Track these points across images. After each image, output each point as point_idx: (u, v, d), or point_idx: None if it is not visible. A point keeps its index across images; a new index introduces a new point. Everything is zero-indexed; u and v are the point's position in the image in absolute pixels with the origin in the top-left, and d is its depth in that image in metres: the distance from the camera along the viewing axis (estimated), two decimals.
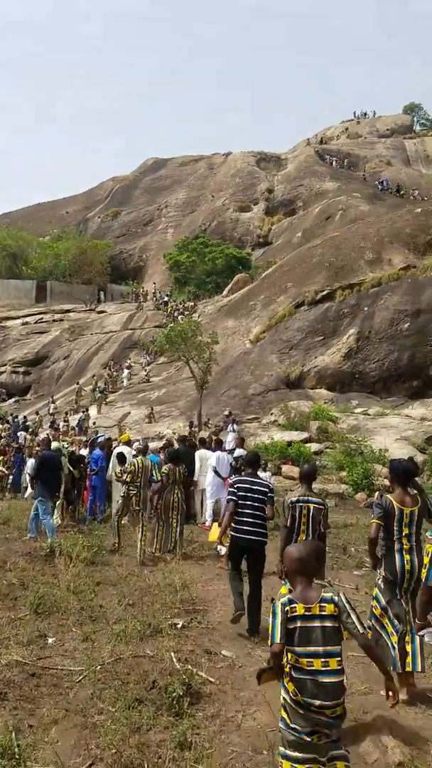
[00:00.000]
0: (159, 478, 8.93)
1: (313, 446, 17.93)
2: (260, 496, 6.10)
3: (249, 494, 6.08)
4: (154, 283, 41.45)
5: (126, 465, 9.47)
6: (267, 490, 6.20)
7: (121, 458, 10.43)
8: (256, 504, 6.07)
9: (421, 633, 3.27)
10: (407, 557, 4.61)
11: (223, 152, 58.25)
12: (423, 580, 3.16)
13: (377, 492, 5.32)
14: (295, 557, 3.23)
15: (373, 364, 22.84)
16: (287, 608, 3.08)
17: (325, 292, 25.30)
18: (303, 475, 6.13)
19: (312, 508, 5.75)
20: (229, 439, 17.39)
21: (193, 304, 35.05)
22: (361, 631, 3.09)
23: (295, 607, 3.08)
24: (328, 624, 3.05)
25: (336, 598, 3.12)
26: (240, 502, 6.08)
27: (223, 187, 50.79)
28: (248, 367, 24.42)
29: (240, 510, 6.08)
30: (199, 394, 21.10)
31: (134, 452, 10.41)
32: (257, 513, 6.07)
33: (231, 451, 14.59)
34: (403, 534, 4.65)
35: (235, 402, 22.36)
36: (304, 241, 35.15)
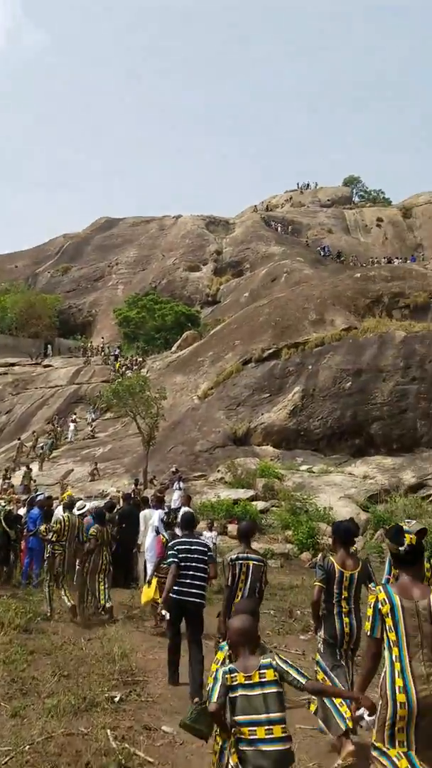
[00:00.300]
0: (85, 538, 8.70)
1: (259, 504, 17.88)
2: (200, 556, 6.08)
3: (189, 555, 6.05)
4: (103, 338, 41.42)
5: (51, 522, 9.13)
6: (206, 549, 6.20)
7: (48, 515, 9.97)
8: (196, 564, 6.04)
9: (359, 713, 3.20)
10: (346, 620, 4.61)
11: (173, 215, 60.07)
12: (368, 632, 3.21)
13: (320, 553, 5.35)
14: (239, 628, 3.26)
15: (318, 421, 23.28)
16: (227, 676, 3.11)
17: (271, 350, 25.90)
18: (241, 532, 6.19)
19: (251, 565, 5.78)
20: (175, 497, 17.09)
21: (141, 359, 35.11)
22: (303, 681, 3.11)
23: (236, 675, 3.10)
24: (269, 690, 3.06)
25: (273, 662, 3.15)
26: (181, 564, 6.02)
27: (174, 248, 52.10)
28: (196, 423, 24.41)
29: (180, 572, 6.01)
30: (146, 450, 20.83)
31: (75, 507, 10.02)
32: (197, 574, 6.04)
33: (176, 510, 14.34)
34: (343, 597, 4.65)
35: (182, 459, 22.18)
36: (251, 301, 36.18)
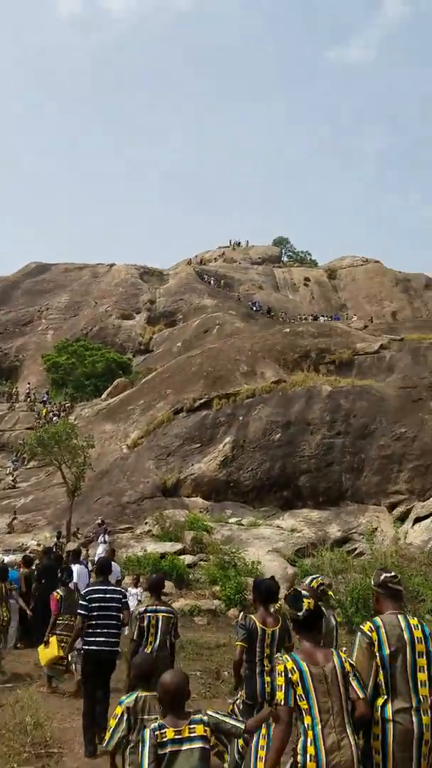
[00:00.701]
0: None
1: (187, 558, 17.47)
2: (115, 604, 6.00)
3: (102, 603, 5.94)
4: (29, 384, 40.17)
5: None
6: (121, 596, 6.15)
7: None
8: (110, 613, 5.94)
9: None
10: (267, 679, 4.58)
11: (107, 263, 60.38)
12: (281, 701, 3.17)
13: (241, 612, 5.32)
14: (170, 686, 3.22)
15: (248, 473, 23.33)
16: (157, 733, 3.09)
17: (203, 400, 25.98)
18: (151, 585, 6.23)
19: (161, 617, 5.74)
20: (100, 551, 16.46)
21: (70, 405, 34.25)
22: (242, 726, 3.19)
23: (165, 732, 3.09)
24: (197, 745, 3.08)
25: (205, 718, 3.18)
26: (93, 614, 5.88)
27: (107, 295, 52.10)
28: (124, 473, 23.84)
29: (93, 622, 5.86)
30: (70, 501, 20.03)
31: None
32: (111, 623, 5.94)
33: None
34: (265, 655, 4.64)
35: (109, 510, 21.48)
36: (183, 351, 36.44)
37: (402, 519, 20.67)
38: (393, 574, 3.65)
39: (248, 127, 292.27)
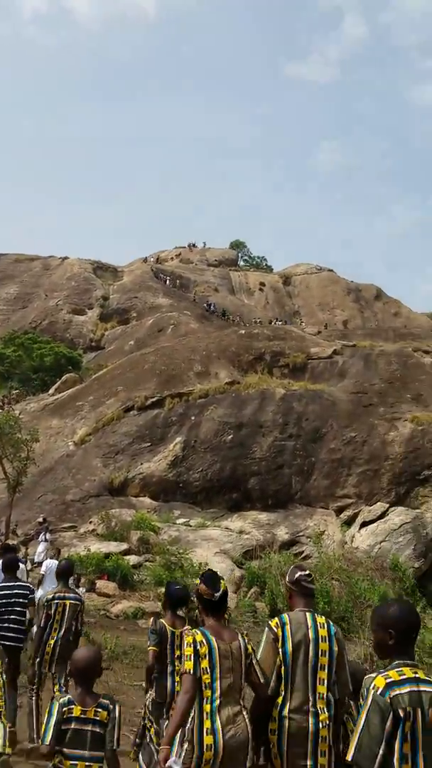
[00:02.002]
0: None
1: (133, 558, 16.97)
2: (22, 600, 6.09)
3: (10, 600, 6.01)
4: None
5: None
6: (28, 592, 6.23)
7: None
8: (18, 608, 6.04)
9: (169, 762, 3.15)
10: (177, 679, 4.61)
11: (59, 256, 58.85)
12: (189, 670, 3.24)
13: (152, 617, 5.24)
14: (80, 662, 3.30)
15: (197, 473, 22.97)
16: (64, 708, 3.14)
17: (155, 399, 25.46)
18: (59, 571, 6.43)
19: (68, 605, 5.97)
20: (40, 550, 15.75)
21: (15, 397, 32.98)
22: (110, 747, 3.17)
23: (73, 708, 3.14)
24: (97, 729, 3.14)
25: (112, 707, 3.22)
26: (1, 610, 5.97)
27: (58, 288, 50.69)
28: (70, 470, 23.04)
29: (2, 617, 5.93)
30: (11, 497, 19.13)
31: None
32: (20, 618, 6.05)
33: (40, 564, 13.06)
34: (175, 656, 4.73)
35: (51, 508, 20.68)
36: (136, 349, 35.76)
37: (349, 523, 20.78)
38: (307, 572, 3.69)
39: (205, 133, 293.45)
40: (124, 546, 17.62)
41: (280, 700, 3.34)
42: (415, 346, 28.21)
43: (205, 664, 3.20)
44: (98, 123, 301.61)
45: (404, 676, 2.51)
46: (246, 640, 3.39)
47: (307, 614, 3.49)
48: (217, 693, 3.19)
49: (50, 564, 10.18)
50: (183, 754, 3.33)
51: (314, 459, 22.36)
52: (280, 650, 3.37)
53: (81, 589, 11.25)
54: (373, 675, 2.57)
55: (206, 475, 22.97)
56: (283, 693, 3.34)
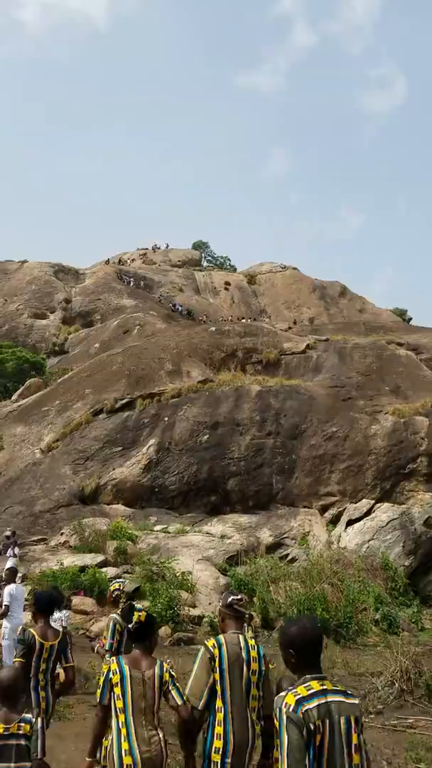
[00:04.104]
0: None
1: (110, 571, 15.76)
2: None
3: None
4: None
5: None
6: None
7: None
8: None
9: None
10: (42, 694, 4.55)
11: (18, 260, 56.86)
12: (98, 698, 3.63)
13: (21, 627, 4.71)
14: (3, 681, 3.48)
15: (173, 476, 21.89)
16: None
17: (125, 400, 24.26)
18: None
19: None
20: (9, 565, 14.39)
21: None
22: (35, 756, 3.45)
23: None
24: (22, 742, 3.37)
25: (33, 720, 3.50)
26: None
27: (18, 293, 48.83)
28: (37, 479, 21.64)
29: None
30: None
31: None
32: None
33: (6, 583, 11.81)
34: (41, 670, 4.58)
35: (19, 520, 19.28)
36: (101, 352, 34.40)
37: (334, 522, 20.02)
38: (239, 597, 3.91)
39: (162, 141, 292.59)
40: (100, 558, 16.40)
41: (220, 716, 3.54)
42: (389, 339, 27.80)
43: (117, 691, 3.51)
44: (52, 130, 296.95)
45: (312, 690, 2.62)
46: (164, 669, 3.67)
47: (240, 636, 3.73)
48: (130, 717, 3.48)
49: (14, 590, 8.84)
50: None
51: (295, 456, 21.55)
52: (217, 668, 3.57)
53: (64, 612, 10.06)
54: (283, 694, 2.66)
55: (183, 478, 21.90)
56: (222, 710, 3.55)
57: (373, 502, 19.73)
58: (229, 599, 3.86)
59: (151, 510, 21.27)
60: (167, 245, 69.67)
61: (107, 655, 5.02)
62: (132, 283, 52.96)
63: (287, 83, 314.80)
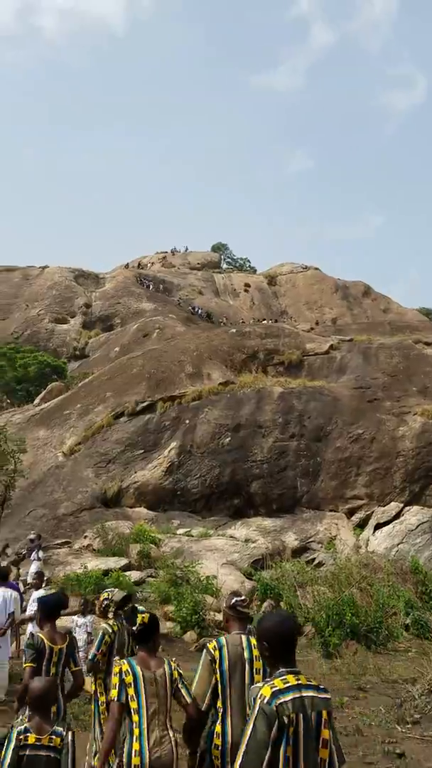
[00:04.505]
0: None
1: (134, 574, 15.57)
2: None
3: None
4: None
5: None
6: None
7: None
8: None
9: None
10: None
11: (39, 265, 57.31)
12: (114, 698, 3.60)
13: (30, 632, 4.77)
14: (36, 691, 3.52)
15: (195, 480, 21.65)
16: (21, 736, 3.41)
17: (146, 403, 24.11)
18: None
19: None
20: (33, 569, 14.27)
21: (1, 406, 31.39)
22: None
23: (28, 736, 3.41)
24: (52, 755, 3.42)
25: (64, 733, 3.47)
26: None
27: (39, 298, 49.20)
28: (60, 482, 21.57)
29: None
30: None
31: None
32: None
33: (31, 587, 11.69)
34: (51, 674, 4.57)
35: (43, 524, 19.21)
36: (121, 356, 34.39)
37: (362, 525, 19.58)
38: (243, 598, 3.96)
39: (178, 144, 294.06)
40: (124, 561, 16.21)
41: (221, 716, 3.59)
42: (415, 338, 27.25)
43: (131, 691, 3.54)
44: (71, 135, 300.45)
45: (288, 684, 2.64)
46: (172, 667, 3.74)
47: (242, 636, 3.77)
48: (144, 717, 3.52)
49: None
50: None
51: (320, 459, 21.15)
52: (217, 670, 3.61)
53: (88, 617, 9.86)
54: (260, 684, 2.71)
55: (205, 481, 21.66)
56: (222, 710, 3.60)
57: (401, 505, 19.25)
58: (233, 601, 3.93)
59: (174, 513, 21.05)
60: (186, 248, 69.73)
61: (84, 668, 5.02)
62: (151, 287, 53.05)
63: (305, 83, 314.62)
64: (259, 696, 2.61)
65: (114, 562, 16.09)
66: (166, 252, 68.43)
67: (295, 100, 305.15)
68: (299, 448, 21.71)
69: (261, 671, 3.68)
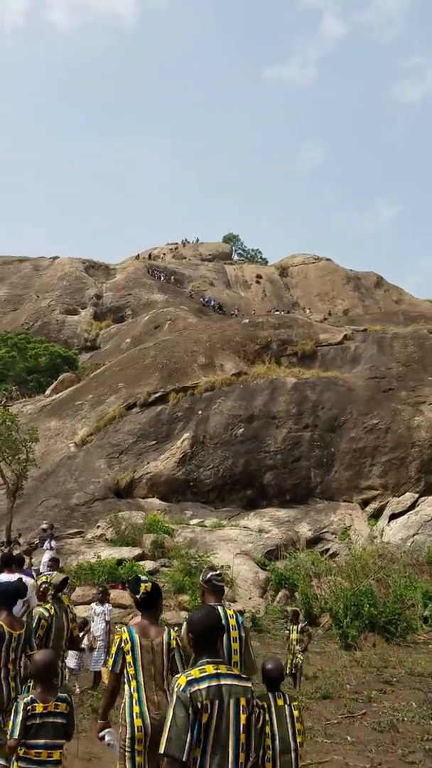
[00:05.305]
0: None
1: (148, 564, 15.47)
2: None
3: None
4: None
5: None
6: None
7: None
8: None
9: (101, 734, 3.83)
10: (12, 684, 4.53)
11: (49, 256, 57.22)
12: (110, 667, 3.94)
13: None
14: (39, 663, 3.73)
15: (208, 470, 21.52)
16: (29, 707, 3.60)
17: (158, 394, 23.97)
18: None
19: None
20: (45, 559, 14.20)
21: (12, 396, 31.37)
22: (72, 732, 3.77)
23: (36, 706, 3.61)
24: (58, 720, 3.64)
25: (69, 698, 3.76)
26: None
27: (50, 289, 49.11)
28: (72, 473, 21.52)
29: None
30: (11, 503, 17.62)
31: None
32: None
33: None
34: (10, 659, 4.58)
35: (55, 513, 19.16)
36: (132, 347, 34.26)
37: (376, 516, 19.36)
38: (218, 572, 4.23)
39: (190, 136, 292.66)
40: (137, 551, 16.14)
41: None
42: (430, 328, 26.85)
43: (129, 658, 3.76)
44: (83, 128, 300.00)
45: (205, 673, 2.80)
46: (170, 636, 3.90)
47: (219, 608, 3.99)
48: (142, 684, 3.74)
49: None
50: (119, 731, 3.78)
51: (334, 449, 20.93)
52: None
53: (107, 606, 9.77)
54: (178, 675, 2.90)
55: (218, 472, 21.52)
56: None
57: (417, 495, 19.00)
58: (209, 575, 4.20)
59: (187, 504, 20.95)
60: (197, 239, 69.31)
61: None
62: (162, 278, 52.80)
63: (318, 74, 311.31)
64: (176, 685, 2.79)
65: (127, 552, 16.02)
66: (177, 243, 68.10)
67: (307, 92, 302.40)
68: (313, 439, 21.50)
69: (238, 639, 4.00)
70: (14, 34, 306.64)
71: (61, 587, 5.70)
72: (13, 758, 3.60)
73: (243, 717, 2.78)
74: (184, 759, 2.65)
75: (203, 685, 2.75)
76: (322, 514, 19.64)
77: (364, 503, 19.84)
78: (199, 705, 2.71)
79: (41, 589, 5.73)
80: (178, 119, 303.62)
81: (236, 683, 2.83)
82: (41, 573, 13.30)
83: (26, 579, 8.57)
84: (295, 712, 4.08)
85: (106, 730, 3.85)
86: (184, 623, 3.49)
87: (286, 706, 4.09)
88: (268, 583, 15.74)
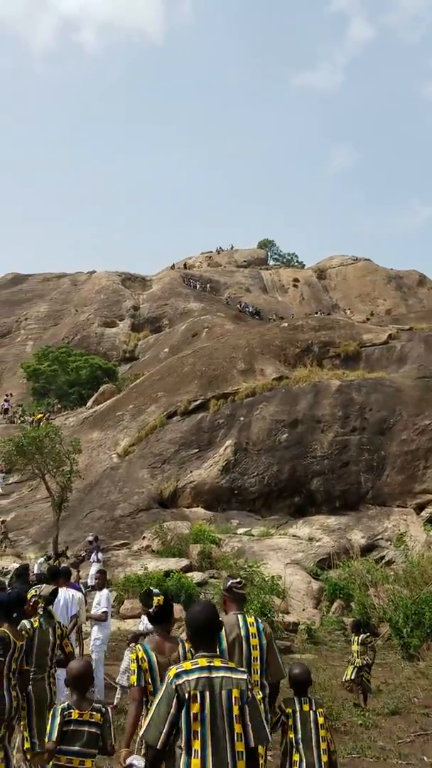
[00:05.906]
0: None
1: (196, 575, 15.01)
2: None
3: None
4: (9, 395, 37.34)
5: None
6: None
7: None
8: None
9: (129, 760, 3.57)
10: (14, 693, 4.45)
11: (86, 271, 57.99)
12: (134, 683, 3.76)
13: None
14: (75, 672, 3.88)
15: (253, 478, 20.97)
16: (65, 712, 3.74)
17: (198, 402, 23.62)
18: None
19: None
20: (92, 571, 13.94)
21: (54, 409, 31.58)
22: (110, 742, 3.84)
23: (72, 712, 3.76)
24: (92, 730, 3.74)
25: (104, 709, 3.87)
26: None
27: (88, 303, 49.68)
28: (116, 483, 21.32)
29: None
30: (56, 516, 17.47)
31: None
32: None
33: (93, 588, 11.29)
34: (12, 669, 4.51)
35: (100, 525, 18.94)
36: (171, 356, 34.10)
37: None
38: (238, 580, 4.29)
39: (223, 148, 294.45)
40: (185, 562, 15.71)
41: None
42: None
43: (148, 677, 3.71)
44: (113, 146, 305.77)
45: (197, 666, 2.87)
46: (186, 649, 3.82)
47: (239, 616, 4.10)
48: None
49: (107, 596, 8.60)
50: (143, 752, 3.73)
51: (384, 453, 20.11)
52: (216, 649, 3.68)
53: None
54: (171, 667, 2.94)
55: (263, 479, 20.95)
56: None
57: None
58: (229, 583, 4.25)
59: (232, 513, 20.44)
60: (232, 246, 69.11)
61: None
62: (198, 287, 52.71)
63: (346, 78, 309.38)
64: (166, 677, 2.85)
65: (174, 563, 15.61)
66: (212, 251, 68.07)
67: (336, 97, 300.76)
68: (361, 442, 20.72)
69: (258, 647, 3.99)
70: (45, 58, 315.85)
71: (51, 599, 5.39)
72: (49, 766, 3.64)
73: (236, 708, 2.79)
74: (158, 747, 2.73)
75: (192, 677, 2.79)
76: (375, 521, 18.83)
77: (419, 508, 18.94)
78: (187, 695, 2.74)
79: (31, 603, 5.40)
80: (208, 130, 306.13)
81: (229, 675, 2.85)
82: (89, 586, 13.08)
83: (74, 593, 8.27)
84: (320, 719, 4.07)
85: (133, 756, 3.73)
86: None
87: (311, 711, 4.10)
88: (321, 594, 15.07)
